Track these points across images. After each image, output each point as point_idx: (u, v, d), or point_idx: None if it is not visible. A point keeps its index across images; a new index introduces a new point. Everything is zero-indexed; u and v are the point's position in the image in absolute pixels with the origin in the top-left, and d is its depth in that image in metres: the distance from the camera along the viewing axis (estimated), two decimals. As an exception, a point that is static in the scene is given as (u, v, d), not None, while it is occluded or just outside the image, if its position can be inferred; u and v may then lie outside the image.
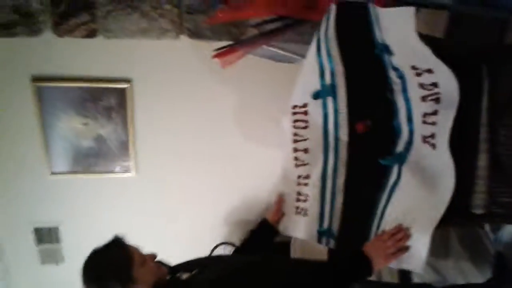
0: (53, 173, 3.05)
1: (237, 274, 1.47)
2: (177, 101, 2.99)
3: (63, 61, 2.73)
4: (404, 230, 1.46)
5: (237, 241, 3.35)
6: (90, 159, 3.05)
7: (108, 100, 2.84)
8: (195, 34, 2.63)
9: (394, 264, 1.48)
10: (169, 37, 2.63)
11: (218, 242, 3.41)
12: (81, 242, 3.27)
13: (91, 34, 2.55)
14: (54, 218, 3.28)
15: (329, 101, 1.83)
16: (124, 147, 3.03)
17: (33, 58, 2.68)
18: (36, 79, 2.72)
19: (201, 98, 3.00)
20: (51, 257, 3.44)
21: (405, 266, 1.47)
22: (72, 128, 2.91)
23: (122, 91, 2.83)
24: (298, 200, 2.00)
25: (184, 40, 2.69)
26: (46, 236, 3.33)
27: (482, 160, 1.44)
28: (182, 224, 3.42)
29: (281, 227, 2.00)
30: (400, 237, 1.45)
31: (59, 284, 3.49)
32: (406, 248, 1.45)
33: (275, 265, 1.56)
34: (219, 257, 1.88)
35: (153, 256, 1.52)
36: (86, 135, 2.96)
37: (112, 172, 3.13)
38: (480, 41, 1.90)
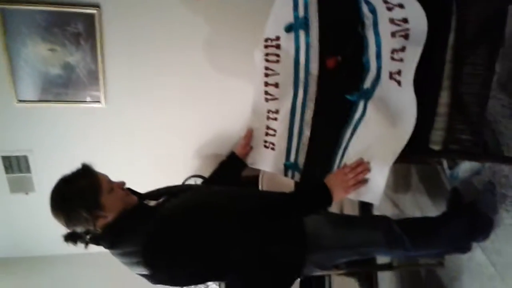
0: (19, 101, 3.00)
1: (201, 202, 1.52)
2: (148, 30, 2.91)
3: (28, -18, 2.59)
4: (364, 163, 1.51)
5: (207, 174, 3.40)
6: (58, 88, 3.00)
7: (76, 26, 2.75)
8: (168, -41, 2.52)
9: (353, 196, 1.54)
10: (141, -39, 2.52)
11: (189, 175, 3.47)
12: (51, 172, 3.29)
13: (57, -46, 2.41)
14: (23, 147, 3.27)
15: (302, 34, 1.82)
16: (93, 76, 2.98)
17: (-4, -22, 2.53)
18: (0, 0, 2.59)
19: (173, 27, 2.92)
20: (21, 186, 3.46)
21: (364, 198, 1.54)
22: (38, 54, 2.83)
23: (90, 17, 2.74)
24: (267, 134, 2.03)
25: (157, -34, 2.59)
26: (14, 165, 3.33)
27: (444, 97, 1.46)
28: (153, 156, 3.45)
29: (249, 160, 2.04)
30: (360, 170, 1.50)
31: (29, 213, 3.54)
32: (365, 181, 1.51)
33: (238, 195, 1.61)
34: (188, 186, 1.92)
35: (122, 184, 1.54)
36: (53, 62, 2.88)
37: (81, 101, 3.10)
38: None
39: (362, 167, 1.51)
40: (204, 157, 3.55)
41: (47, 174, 3.31)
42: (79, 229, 1.44)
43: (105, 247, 1.50)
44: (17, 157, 3.29)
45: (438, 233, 1.82)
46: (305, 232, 1.61)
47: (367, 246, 1.71)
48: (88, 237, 1.47)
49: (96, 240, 1.48)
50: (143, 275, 1.47)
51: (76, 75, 2.94)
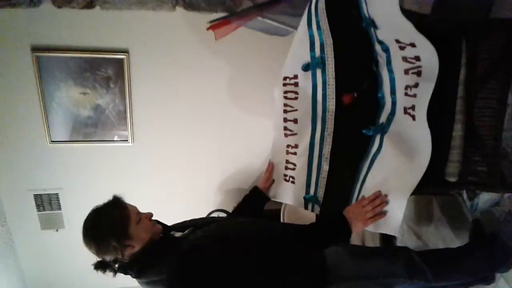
0: (52, 142, 3.14)
1: (225, 234, 1.57)
2: (172, 72, 3.05)
3: (62, 32, 2.78)
4: (382, 196, 1.56)
5: (230, 208, 3.46)
6: (88, 128, 3.14)
7: (106, 71, 2.91)
8: (191, 5, 2.67)
9: (371, 228, 1.58)
10: (165, 9, 2.67)
11: (212, 209, 3.53)
12: (80, 209, 3.40)
13: (89, 5, 2.59)
14: (53, 185, 3.39)
15: (318, 73, 1.90)
16: (122, 117, 3.12)
17: (32, 28, 2.72)
18: (36, 49, 2.78)
19: (195, 69, 3.06)
20: (51, 223, 3.56)
21: (382, 230, 1.57)
22: (71, 97, 2.99)
23: (119, 62, 2.89)
24: (286, 168, 2.09)
25: (180, 11, 2.74)
26: (46, 203, 3.44)
27: (457, 131, 1.52)
28: (178, 192, 3.53)
29: (271, 194, 2.10)
30: (378, 202, 1.55)
31: (59, 249, 3.64)
32: (383, 214, 1.55)
33: (262, 227, 1.66)
34: (213, 218, 1.98)
35: (150, 215, 1.62)
36: (85, 105, 3.03)
37: (110, 141, 3.23)
38: (465, 17, 1.97)
39: (380, 199, 1.55)
40: (227, 192, 3.62)
41: (77, 211, 3.41)
42: (108, 258, 1.51)
43: (132, 276, 1.56)
44: (48, 195, 3.41)
45: (459, 264, 1.82)
46: (325, 264, 1.64)
47: (387, 277, 1.72)
48: (116, 266, 1.55)
49: (124, 269, 1.55)
50: None
51: (106, 116, 3.09)
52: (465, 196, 2.15)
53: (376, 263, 1.75)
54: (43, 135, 3.09)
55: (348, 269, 1.68)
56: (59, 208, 3.48)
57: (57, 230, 3.59)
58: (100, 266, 1.54)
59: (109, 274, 1.56)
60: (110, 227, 1.49)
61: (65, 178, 3.36)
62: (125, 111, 3.09)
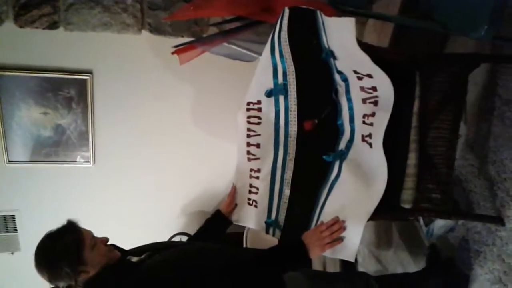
0: (10, 162, 3.06)
1: (182, 259, 1.56)
2: (136, 94, 3.05)
3: (24, 52, 2.74)
4: (340, 222, 1.58)
5: (193, 231, 3.43)
6: (49, 149, 3.08)
7: (69, 91, 2.88)
8: (156, 29, 2.68)
9: (329, 254, 1.59)
10: (130, 32, 2.67)
11: (174, 232, 3.50)
12: (37, 231, 3.29)
13: (52, 26, 2.56)
14: (10, 207, 3.28)
15: (281, 99, 1.94)
16: (83, 138, 3.08)
17: (-7, 47, 2.68)
18: (-4, 68, 2.73)
19: (159, 92, 3.07)
20: (6, 246, 3.43)
21: (339, 255, 1.59)
22: (31, 117, 2.93)
23: (83, 82, 2.87)
24: (250, 192, 2.10)
25: (145, 35, 2.75)
26: (1, 224, 3.33)
27: (412, 159, 1.57)
28: (139, 214, 3.49)
29: (234, 217, 2.10)
30: (336, 228, 1.57)
31: (14, 273, 3.50)
32: (340, 239, 1.57)
33: (221, 253, 1.66)
34: (172, 243, 1.96)
35: (105, 240, 1.59)
36: (45, 125, 2.98)
37: (71, 162, 3.17)
38: (421, 50, 2.06)
39: (337, 225, 1.57)
40: (190, 215, 3.59)
41: (34, 233, 3.22)
42: (61, 285, 1.48)
43: None
44: (4, 217, 3.30)
45: None
46: None
47: None
48: None
49: None
50: None
51: (67, 137, 3.03)
52: (421, 221, 2.21)
53: (338, 286, 1.77)
54: (1, 155, 3.01)
55: None
56: (15, 230, 3.36)
57: (12, 253, 3.46)
58: None
59: None
60: (63, 252, 1.45)
61: (22, 199, 3.26)
62: (87, 132, 3.05)
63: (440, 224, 2.05)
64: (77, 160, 3.16)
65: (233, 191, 2.11)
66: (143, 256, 1.59)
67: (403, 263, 2.44)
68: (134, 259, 1.59)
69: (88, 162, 3.16)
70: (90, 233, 1.56)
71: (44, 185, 3.23)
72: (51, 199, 3.28)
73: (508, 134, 1.81)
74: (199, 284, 1.47)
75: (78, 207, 3.29)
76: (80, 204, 3.32)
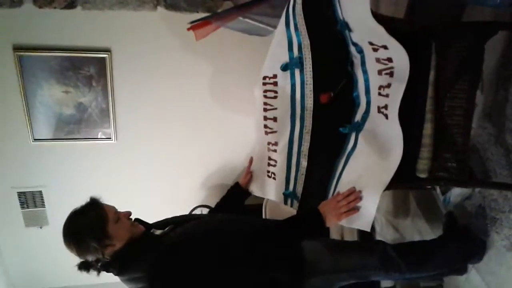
0: (35, 140, 3.16)
1: (203, 231, 1.63)
2: (154, 70, 3.08)
3: (44, 31, 2.79)
4: (356, 192, 1.62)
5: (213, 204, 3.51)
6: (71, 126, 3.16)
7: (89, 69, 2.93)
8: (171, 5, 2.70)
9: (345, 223, 1.64)
10: (146, 9, 2.70)
11: (195, 205, 3.58)
12: (64, 206, 3.40)
13: (70, 5, 2.60)
14: (37, 183, 3.41)
15: (297, 72, 1.96)
16: (104, 115, 3.14)
17: (14, 28, 2.73)
18: (18, 48, 2.78)
19: (177, 68, 3.09)
20: (35, 220, 3.58)
21: (355, 225, 1.63)
22: (53, 96, 3.00)
23: (101, 60, 2.91)
24: (269, 164, 2.15)
25: (161, 11, 2.77)
26: (30, 200, 3.46)
27: (428, 129, 1.58)
28: (161, 188, 3.57)
29: (255, 189, 2.16)
30: (352, 198, 1.61)
31: (43, 246, 3.66)
32: (356, 209, 1.61)
33: (241, 224, 1.72)
34: (193, 216, 2.03)
35: (128, 214, 1.66)
36: (67, 103, 3.05)
37: (93, 139, 3.25)
38: (437, 20, 2.04)
39: (354, 195, 1.61)
40: (210, 188, 3.67)
41: (60, 208, 3.36)
42: (90, 258, 1.56)
43: (114, 274, 1.61)
44: (32, 193, 3.43)
45: (432, 256, 1.89)
46: (303, 258, 1.70)
47: (363, 270, 1.79)
48: (99, 265, 1.59)
49: (106, 267, 1.60)
50: None
51: (88, 114, 3.11)
52: (438, 190, 2.23)
53: (352, 256, 1.82)
54: (26, 133, 3.11)
55: (325, 263, 1.74)
56: (43, 205, 3.49)
57: (41, 227, 3.61)
58: (83, 266, 1.58)
59: (94, 273, 1.61)
60: (88, 228, 1.52)
61: (48, 175, 3.38)
62: (107, 109, 3.11)
63: (456, 193, 2.07)
64: (99, 137, 3.24)
65: (250, 163, 2.16)
66: (166, 230, 1.66)
67: (421, 231, 2.47)
68: (157, 232, 1.67)
69: (110, 138, 3.24)
70: (113, 208, 1.63)
71: (68, 162, 3.34)
72: (76, 175, 3.38)
73: (526, 101, 1.80)
74: (219, 255, 1.53)
75: (102, 183, 3.39)
76: (104, 179, 3.41)
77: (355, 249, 1.88)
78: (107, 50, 2.89)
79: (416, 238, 2.52)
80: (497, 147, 1.95)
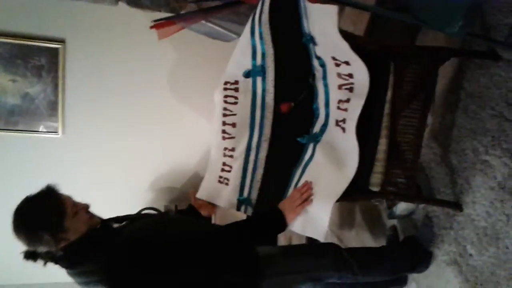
0: (-27, 128, 2.97)
1: (163, 226, 1.58)
2: (109, 65, 3.02)
3: (-4, 16, 2.65)
4: (308, 184, 1.66)
5: (161, 207, 3.46)
6: (15, 117, 3.01)
7: (40, 59, 2.82)
8: (134, 2, 2.65)
9: (299, 230, 1.67)
10: (107, 2, 2.63)
11: (143, 207, 3.50)
12: (2, 202, 3.22)
13: (28, -9, 2.50)
14: (-28, 177, 3.20)
15: (259, 80, 1.99)
16: (52, 107, 3.03)
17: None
18: (-35, 30, 2.63)
19: (133, 65, 3.04)
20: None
21: (309, 233, 1.67)
22: (-2, 84, 2.85)
23: (54, 51, 2.82)
24: (222, 170, 2.14)
25: (122, 6, 2.71)
26: (-39, 193, 3.23)
27: (382, 145, 1.66)
28: (107, 188, 3.46)
29: (203, 194, 2.13)
30: (304, 189, 1.65)
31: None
32: (310, 200, 1.65)
33: (197, 224, 1.71)
34: (147, 214, 1.98)
35: (86, 206, 1.57)
36: (13, 92, 2.91)
37: (37, 131, 3.11)
38: (394, 41, 2.14)
39: (306, 187, 1.66)
40: (158, 190, 3.60)
41: None
42: (40, 249, 1.45)
43: (63, 266, 1.51)
44: (-35, 186, 3.22)
45: (382, 260, 1.97)
46: (258, 260, 1.68)
47: (317, 271, 1.80)
48: (48, 256, 1.48)
49: (55, 259, 1.49)
50: None
51: (35, 106, 2.98)
52: (384, 204, 2.33)
53: (305, 257, 1.83)
54: (-38, 121, 2.92)
55: (279, 264, 1.74)
56: (-24, 199, 3.28)
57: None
58: (31, 256, 1.47)
59: (40, 263, 1.50)
60: (44, 219, 1.42)
61: (-16, 168, 3.19)
62: (56, 102, 3.00)
63: (402, 207, 2.16)
64: (44, 130, 3.10)
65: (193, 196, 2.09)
66: (123, 223, 1.60)
67: (364, 242, 2.57)
68: (115, 225, 1.61)
69: (56, 132, 3.12)
70: (71, 199, 1.54)
71: (7, 155, 3.17)
72: (15, 168, 3.21)
73: (470, 125, 1.92)
74: (178, 250, 1.47)
75: (43, 179, 3.22)
76: (46, 175, 3.23)
77: (308, 251, 1.90)
78: (61, 41, 2.80)
79: (359, 249, 2.61)
80: (442, 167, 2.06)
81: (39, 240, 1.43)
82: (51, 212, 1.44)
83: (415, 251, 2.06)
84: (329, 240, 2.84)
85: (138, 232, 1.51)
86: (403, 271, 2.09)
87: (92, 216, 1.58)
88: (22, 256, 1.47)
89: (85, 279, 1.49)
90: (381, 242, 2.39)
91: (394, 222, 2.29)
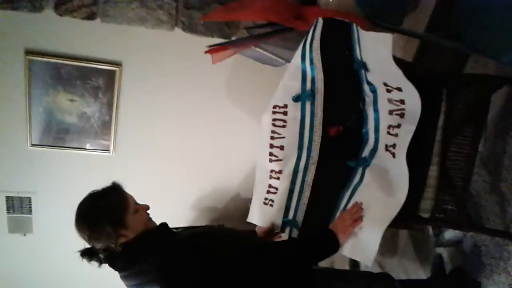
0: (33, 145, 3.14)
1: (222, 233, 1.62)
2: (162, 89, 3.14)
3: (59, 39, 2.83)
4: (358, 204, 1.65)
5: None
6: (71, 135, 3.17)
7: (97, 80, 2.97)
8: (189, 28, 2.78)
9: (348, 253, 1.65)
10: (164, 28, 2.77)
11: (186, 225, 3.57)
12: (51, 215, 3.36)
13: (91, 16, 2.66)
14: (28, 189, 3.36)
15: (308, 104, 2.03)
16: (106, 127, 3.17)
17: (29, 32, 2.77)
18: (30, 52, 2.82)
19: (186, 89, 3.16)
20: (19, 227, 3.50)
21: (358, 257, 1.66)
22: (57, 103, 3.03)
23: (111, 73, 2.97)
24: (268, 192, 2.17)
25: (178, 32, 2.85)
26: (17, 205, 3.40)
27: (433, 171, 1.66)
28: (152, 206, 3.54)
29: (250, 215, 2.16)
30: (355, 210, 1.64)
31: (24, 254, 3.57)
32: (361, 219, 1.63)
33: (255, 239, 1.72)
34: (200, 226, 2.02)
35: (146, 207, 1.62)
36: (71, 112, 3.07)
37: (91, 149, 3.26)
38: (443, 68, 2.15)
39: (356, 207, 1.65)
40: (201, 209, 3.68)
41: (47, 216, 3.39)
42: (99, 245, 1.48)
43: (119, 266, 1.53)
44: (20, 198, 3.38)
45: None
46: (314, 277, 1.69)
47: None
48: (105, 254, 1.51)
49: (112, 259, 1.52)
50: None
51: (90, 125, 3.13)
52: (430, 231, 2.30)
53: (359, 283, 1.82)
54: (25, 137, 3.10)
55: (334, 287, 1.75)
56: (30, 212, 3.44)
57: (24, 234, 3.53)
58: (87, 253, 1.50)
59: (95, 264, 1.53)
60: (108, 213, 1.46)
61: (40, 182, 3.35)
62: (110, 122, 3.14)
63: (449, 235, 2.13)
64: (98, 148, 3.24)
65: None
66: (179, 229, 1.64)
67: (407, 270, 2.53)
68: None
69: (108, 151, 3.25)
70: (133, 198, 1.59)
71: (62, 171, 3.32)
72: (68, 185, 3.36)
73: (522, 154, 1.90)
74: (235, 259, 1.48)
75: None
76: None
77: (363, 278, 1.89)
78: (118, 64, 2.95)
79: (402, 277, 2.57)
80: (492, 195, 2.03)
81: (101, 233, 1.45)
82: (115, 205, 1.49)
83: (463, 283, 2.02)
84: (370, 267, 2.83)
85: (195, 234, 1.54)
86: None
87: (150, 218, 1.63)
88: (78, 255, 1.50)
89: (140, 280, 1.48)
90: (425, 270, 2.35)
91: (440, 250, 2.25)
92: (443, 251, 2.23)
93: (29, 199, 3.39)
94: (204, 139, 3.37)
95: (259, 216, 2.16)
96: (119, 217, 1.47)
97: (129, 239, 1.50)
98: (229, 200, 3.51)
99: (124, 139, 3.26)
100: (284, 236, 2.11)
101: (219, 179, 3.56)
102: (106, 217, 1.46)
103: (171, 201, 3.58)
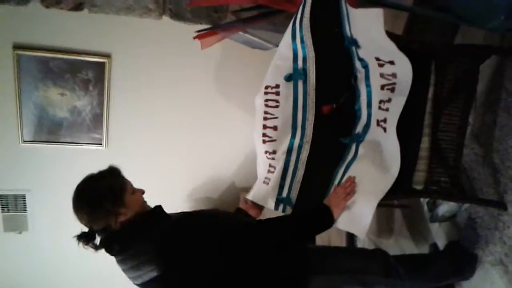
0: (25, 141, 3.12)
1: (217, 214, 1.66)
2: (153, 79, 3.13)
3: (46, 32, 2.81)
4: (352, 179, 1.67)
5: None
6: (63, 130, 3.15)
7: (87, 73, 2.95)
8: (177, 15, 2.77)
9: (342, 225, 1.66)
10: (152, 17, 2.76)
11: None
12: (47, 212, 3.34)
13: (78, 7, 2.64)
14: (21, 186, 3.34)
15: (300, 83, 2.04)
16: (98, 120, 3.16)
17: (17, 26, 2.75)
18: (18, 47, 2.79)
19: (176, 78, 3.15)
20: (15, 225, 3.47)
21: (351, 228, 1.66)
22: (48, 98, 3.00)
23: (101, 65, 2.95)
24: (268, 171, 2.18)
25: (166, 20, 2.83)
26: (11, 204, 3.38)
27: (425, 143, 1.68)
28: (147, 198, 3.53)
29: (252, 196, 2.14)
30: (348, 184, 1.66)
31: (20, 253, 3.55)
32: (354, 192, 1.64)
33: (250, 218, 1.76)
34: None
35: (142, 191, 1.66)
36: (61, 106, 3.05)
37: (84, 143, 3.24)
38: (433, 40, 2.16)
39: (350, 181, 1.67)
40: (195, 200, 3.67)
41: (43, 214, 3.37)
42: (97, 226, 1.51)
43: (116, 249, 1.54)
44: (14, 196, 3.35)
45: (429, 267, 1.95)
46: (309, 256, 1.71)
47: (365, 274, 1.79)
48: (102, 236, 1.53)
49: (109, 242, 1.54)
50: (149, 281, 1.49)
51: (82, 119, 3.11)
52: (425, 208, 2.32)
53: (355, 259, 1.85)
54: (16, 134, 3.08)
55: (329, 262, 1.76)
56: (25, 210, 3.41)
57: (20, 233, 3.50)
58: (84, 236, 1.52)
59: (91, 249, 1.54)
60: (107, 191, 1.50)
61: (34, 179, 3.33)
62: (101, 115, 3.13)
63: (443, 210, 2.15)
64: (91, 142, 3.23)
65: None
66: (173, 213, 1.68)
67: (404, 249, 2.55)
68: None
69: (101, 144, 3.24)
70: (129, 181, 1.64)
71: (56, 167, 3.30)
72: (63, 180, 3.31)
73: (512, 124, 1.92)
74: (231, 236, 1.53)
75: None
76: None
77: (357, 252, 1.91)
78: (107, 55, 2.93)
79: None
80: (484, 167, 2.05)
81: (100, 212, 1.48)
82: (114, 185, 1.54)
83: (459, 256, 2.04)
84: (366, 246, 2.85)
85: (191, 215, 1.61)
86: (449, 278, 2.06)
87: (146, 201, 1.67)
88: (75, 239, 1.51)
89: (137, 261, 1.49)
90: (422, 248, 2.37)
91: (434, 240, 2.27)
92: (439, 228, 2.25)
93: (24, 196, 3.36)
94: (198, 128, 3.36)
95: (260, 195, 2.15)
96: (119, 196, 1.51)
97: (127, 218, 1.53)
98: (224, 190, 3.52)
99: (117, 132, 3.24)
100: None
101: (214, 169, 3.55)
102: (106, 196, 1.49)
103: (165, 192, 3.52)
